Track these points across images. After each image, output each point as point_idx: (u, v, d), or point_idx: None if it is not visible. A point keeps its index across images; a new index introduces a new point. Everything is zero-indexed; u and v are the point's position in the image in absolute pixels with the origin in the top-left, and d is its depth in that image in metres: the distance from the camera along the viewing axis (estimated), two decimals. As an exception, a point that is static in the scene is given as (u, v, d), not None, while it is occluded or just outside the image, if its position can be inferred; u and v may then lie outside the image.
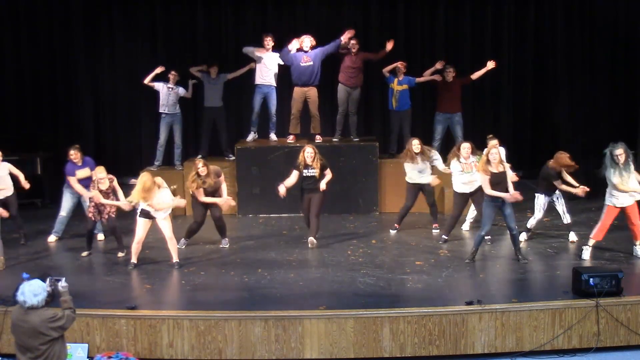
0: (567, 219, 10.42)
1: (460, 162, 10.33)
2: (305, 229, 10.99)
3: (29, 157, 12.79)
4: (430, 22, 13.95)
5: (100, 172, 9.96)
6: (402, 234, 11.08)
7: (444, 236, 10.62)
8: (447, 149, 11.68)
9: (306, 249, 10.44)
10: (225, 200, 10.33)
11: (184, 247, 10.46)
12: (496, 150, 9.48)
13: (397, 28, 13.90)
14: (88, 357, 7.87)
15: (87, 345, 7.91)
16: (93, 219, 10.09)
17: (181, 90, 12.53)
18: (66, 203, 10.81)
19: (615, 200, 9.55)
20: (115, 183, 10.08)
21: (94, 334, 7.94)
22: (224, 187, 10.43)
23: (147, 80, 12.34)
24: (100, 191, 9.96)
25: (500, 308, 8.00)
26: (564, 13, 13.60)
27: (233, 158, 12.64)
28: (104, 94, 13.96)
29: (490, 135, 10.98)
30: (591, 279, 8.09)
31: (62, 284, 6.31)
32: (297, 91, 12.37)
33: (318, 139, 12.54)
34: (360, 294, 8.56)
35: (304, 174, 10.44)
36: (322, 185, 10.39)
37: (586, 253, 9.71)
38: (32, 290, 6.02)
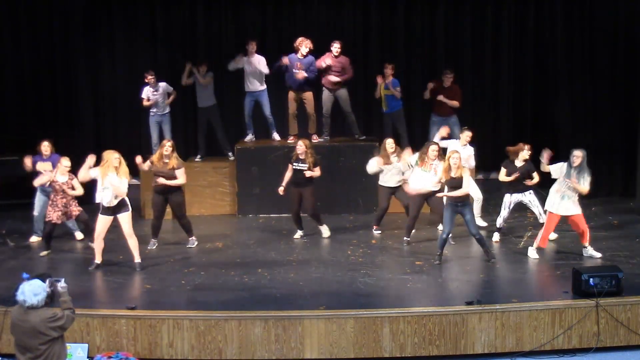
0: (543, 218, 10.35)
1: (424, 161, 10.32)
2: (304, 229, 10.99)
3: (22, 159, 12.76)
4: (430, 22, 13.94)
5: (65, 161, 10.16)
6: (402, 234, 11.06)
7: (405, 238, 10.62)
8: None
9: (306, 249, 10.45)
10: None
11: (154, 247, 10.47)
12: (457, 155, 9.55)
13: (397, 28, 13.89)
14: (88, 357, 7.87)
15: (87, 345, 7.91)
16: (52, 220, 10.12)
17: (163, 86, 12.49)
18: (38, 202, 10.82)
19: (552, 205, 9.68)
20: (75, 182, 10.13)
21: (94, 334, 7.94)
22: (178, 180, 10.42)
23: (184, 81, 12.56)
24: (54, 182, 10.08)
25: (500, 308, 8.01)
26: (564, 13, 13.58)
27: (232, 158, 12.64)
28: (104, 94, 13.95)
29: (465, 127, 11.09)
30: (591, 279, 8.10)
31: (62, 285, 6.31)
32: (292, 94, 12.37)
33: (315, 139, 12.54)
34: (360, 294, 8.56)
35: (295, 167, 10.61)
36: (307, 173, 10.52)
37: (532, 252, 9.83)
38: (32, 290, 6.02)
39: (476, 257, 9.97)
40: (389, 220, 11.57)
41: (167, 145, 10.38)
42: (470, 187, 10.29)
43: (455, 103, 12.55)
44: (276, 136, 12.81)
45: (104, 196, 9.43)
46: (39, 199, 10.79)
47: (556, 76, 13.76)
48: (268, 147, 12.56)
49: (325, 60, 12.15)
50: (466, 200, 9.63)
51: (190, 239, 10.69)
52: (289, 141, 12.49)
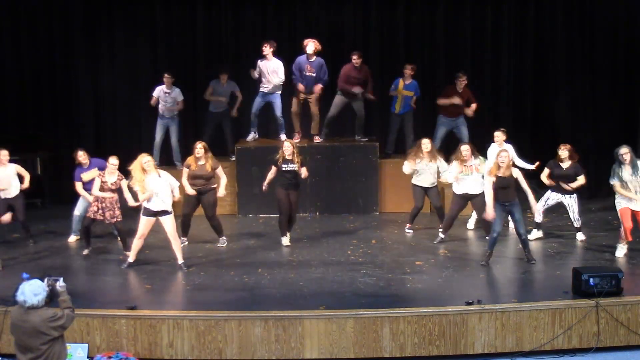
0: (578, 223, 10.45)
1: (460, 165, 10.32)
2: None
3: (29, 157, 12.78)
4: (430, 22, 13.94)
5: (113, 159, 10.00)
6: (402, 234, 11.07)
7: (440, 235, 10.61)
8: (450, 151, 11.70)
9: (306, 249, 10.45)
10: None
11: (185, 244, 10.47)
12: (505, 154, 9.44)
13: (397, 28, 13.89)
14: (88, 357, 7.86)
15: (87, 345, 7.91)
16: (92, 217, 10.05)
17: (177, 91, 12.50)
18: (81, 202, 10.70)
19: (621, 201, 9.61)
20: (124, 183, 10.00)
21: (94, 334, 7.94)
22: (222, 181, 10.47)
23: (207, 97, 12.70)
24: (104, 183, 9.94)
25: (500, 308, 8.01)
26: (564, 13, 13.58)
27: (234, 159, 12.65)
28: (104, 94, 13.94)
29: (503, 129, 11.04)
30: (591, 279, 8.10)
31: (60, 284, 6.30)
32: (298, 94, 12.36)
33: (317, 139, 12.53)
34: (360, 294, 8.56)
35: (283, 169, 10.40)
36: (303, 171, 10.40)
37: (620, 251, 9.79)
38: (32, 290, 6.02)
39: (476, 257, 9.97)
40: (390, 220, 11.58)
41: (198, 147, 10.29)
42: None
43: (471, 109, 12.43)
44: (283, 137, 12.78)
45: (153, 201, 9.40)
46: (82, 200, 10.67)
47: (556, 76, 13.76)
48: (268, 147, 12.53)
49: (353, 87, 12.13)
50: (514, 199, 9.47)
51: (220, 238, 10.71)
52: (294, 140, 12.47)
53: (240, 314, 7.96)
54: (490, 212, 9.41)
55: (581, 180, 10.32)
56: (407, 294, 8.62)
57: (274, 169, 10.49)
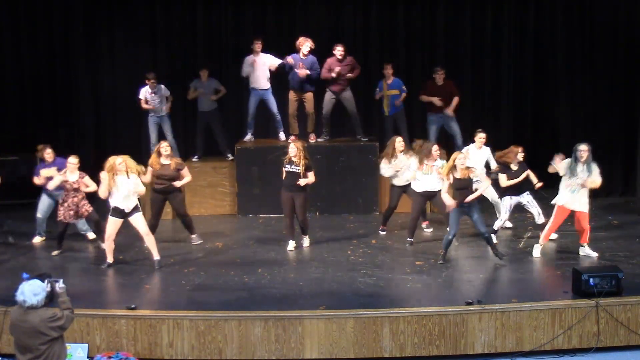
0: (541, 218, 10.40)
1: (422, 163, 10.33)
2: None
3: (29, 157, 12.77)
4: (430, 22, 13.93)
5: (72, 158, 10.10)
6: (402, 234, 11.06)
7: (409, 239, 10.59)
8: (448, 149, 11.71)
9: (306, 249, 10.44)
10: None
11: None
12: (463, 156, 9.55)
13: (397, 28, 13.88)
14: (88, 357, 7.87)
15: (87, 345, 7.91)
16: (63, 219, 10.10)
17: (162, 89, 12.47)
18: (42, 204, 10.80)
19: (565, 197, 9.67)
20: (87, 179, 10.11)
21: (94, 334, 7.94)
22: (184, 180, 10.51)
23: (190, 97, 12.72)
24: (66, 181, 10.04)
25: (500, 308, 8.01)
26: (564, 13, 13.58)
27: (231, 158, 12.64)
28: (104, 94, 13.94)
29: (480, 129, 11.06)
30: (591, 279, 8.10)
31: (60, 285, 6.30)
32: (292, 94, 12.37)
33: (312, 138, 12.53)
34: (360, 294, 8.57)
35: (287, 169, 10.26)
36: (301, 181, 10.12)
37: (536, 251, 9.85)
38: (32, 290, 6.02)
39: (476, 257, 9.98)
40: (390, 220, 11.55)
41: (165, 145, 10.43)
42: (489, 189, 10.43)
43: (436, 99, 12.42)
44: (282, 135, 12.78)
45: (120, 202, 9.46)
46: (42, 201, 10.76)
47: (556, 76, 13.76)
48: (268, 147, 12.55)
49: (334, 70, 12.10)
50: (472, 200, 9.55)
51: (192, 236, 10.71)
52: (290, 141, 12.47)
53: (240, 314, 7.96)
54: (451, 204, 9.57)
55: (534, 177, 10.35)
56: (407, 294, 8.62)
57: (283, 170, 10.37)
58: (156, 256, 9.67)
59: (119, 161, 9.46)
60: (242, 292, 8.72)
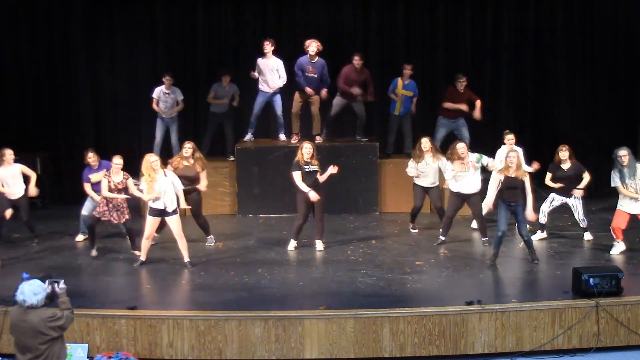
0: (584, 224, 10.46)
1: (459, 163, 10.32)
2: (304, 228, 10.96)
3: (29, 157, 12.76)
4: (430, 22, 13.94)
5: (117, 159, 9.97)
6: (402, 234, 11.07)
7: (441, 237, 10.61)
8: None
9: (306, 249, 10.43)
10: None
11: (212, 243, 10.67)
12: (514, 154, 9.48)
13: (397, 28, 13.89)
14: (88, 357, 7.86)
15: (87, 345, 7.90)
16: (98, 216, 10.03)
17: (177, 93, 12.49)
18: (88, 202, 10.68)
19: (623, 204, 9.64)
20: (130, 182, 10.02)
21: (94, 334, 7.94)
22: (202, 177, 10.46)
23: (210, 99, 12.71)
24: (110, 183, 9.93)
25: (500, 308, 8.01)
26: (564, 13, 13.59)
27: (233, 159, 12.65)
28: (104, 94, 13.94)
29: (507, 130, 11.01)
30: (591, 279, 8.09)
31: (60, 286, 6.29)
32: (298, 95, 12.36)
33: (318, 139, 12.53)
34: (360, 294, 8.56)
35: (306, 170, 10.18)
36: (323, 177, 10.21)
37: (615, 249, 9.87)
38: (32, 290, 6.02)
39: (476, 257, 9.98)
40: (390, 220, 11.58)
41: (187, 147, 10.37)
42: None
43: (463, 106, 12.37)
44: (282, 136, 12.78)
45: (161, 201, 9.43)
46: (89, 200, 10.66)
47: (556, 76, 13.76)
48: (268, 147, 12.55)
49: (354, 90, 12.09)
50: (520, 200, 9.44)
51: (208, 237, 10.72)
52: (292, 140, 12.48)
53: (240, 314, 7.96)
54: (488, 203, 9.57)
55: (587, 178, 10.35)
56: (407, 294, 8.61)
57: (298, 172, 10.14)
58: (186, 258, 9.64)
59: (153, 159, 9.40)
60: (242, 292, 8.72)
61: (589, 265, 9.35)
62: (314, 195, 10.06)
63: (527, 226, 9.65)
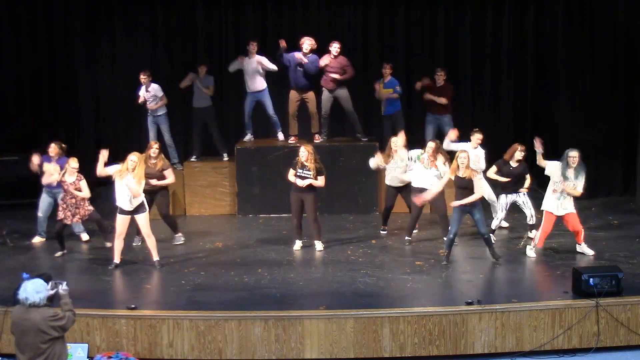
0: (534, 220, 10.43)
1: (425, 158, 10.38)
2: (304, 229, 10.96)
3: (29, 157, 12.76)
4: (430, 22, 13.94)
5: (73, 162, 10.11)
6: (402, 234, 11.06)
7: (406, 237, 10.65)
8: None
9: (306, 249, 10.43)
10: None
11: (139, 244, 10.52)
12: (465, 155, 9.54)
13: (397, 28, 13.88)
14: (88, 357, 7.87)
15: (87, 345, 7.91)
16: (63, 219, 10.09)
17: (155, 88, 12.43)
18: (42, 203, 10.79)
19: (550, 205, 9.70)
20: (83, 184, 10.12)
21: (94, 334, 7.94)
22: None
23: (182, 85, 12.70)
24: (64, 181, 10.05)
25: (500, 308, 8.01)
26: (564, 13, 13.57)
27: (227, 158, 12.64)
28: (104, 94, 13.95)
29: (477, 129, 11.05)
30: (591, 279, 8.10)
31: (63, 287, 6.31)
32: (293, 94, 12.36)
33: (317, 139, 12.52)
34: (360, 294, 8.56)
35: (298, 173, 10.17)
36: (304, 182, 10.04)
37: (530, 252, 9.88)
38: (34, 288, 6.04)
39: (476, 257, 9.98)
40: (390, 220, 11.54)
41: (155, 147, 10.49)
42: (484, 190, 10.37)
43: (443, 100, 12.47)
44: (280, 136, 12.78)
45: (122, 198, 9.45)
46: (43, 199, 10.74)
47: (556, 76, 13.76)
48: (268, 147, 12.55)
49: (324, 60, 12.14)
50: (475, 200, 9.53)
51: (175, 235, 10.73)
52: (289, 142, 12.49)
53: (240, 314, 7.97)
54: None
55: (529, 179, 10.44)
56: (407, 294, 8.62)
57: (291, 171, 10.20)
58: (155, 257, 9.66)
59: (133, 159, 9.42)
60: (242, 292, 8.72)
61: (589, 265, 9.34)
62: (300, 182, 10.05)
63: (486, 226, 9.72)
